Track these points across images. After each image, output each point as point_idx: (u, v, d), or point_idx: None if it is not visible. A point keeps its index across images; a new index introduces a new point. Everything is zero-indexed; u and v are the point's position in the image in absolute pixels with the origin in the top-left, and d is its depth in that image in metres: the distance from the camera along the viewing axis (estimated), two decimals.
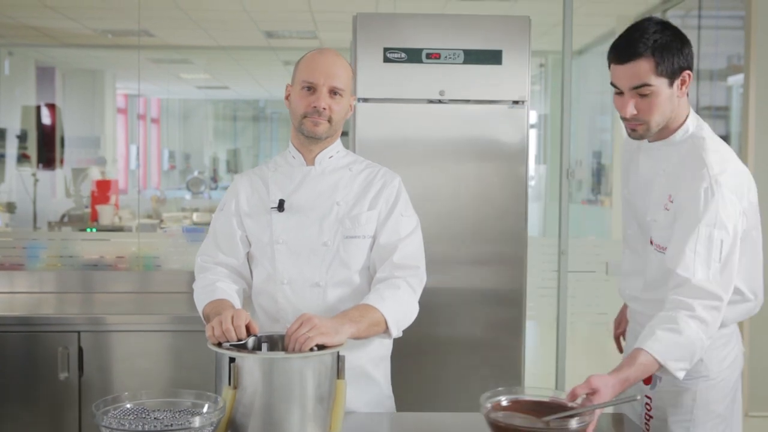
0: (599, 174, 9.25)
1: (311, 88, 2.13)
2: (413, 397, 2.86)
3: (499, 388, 1.83)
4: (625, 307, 2.50)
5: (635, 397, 1.76)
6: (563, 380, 3.93)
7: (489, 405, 1.72)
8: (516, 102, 3.19)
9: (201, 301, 2.19)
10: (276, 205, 2.19)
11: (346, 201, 2.18)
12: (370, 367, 2.21)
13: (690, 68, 2.08)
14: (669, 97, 2.06)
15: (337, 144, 2.25)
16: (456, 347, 3.27)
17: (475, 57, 3.15)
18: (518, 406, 1.76)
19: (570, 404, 1.76)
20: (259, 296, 2.25)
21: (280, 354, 1.86)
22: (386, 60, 3.15)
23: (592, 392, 1.76)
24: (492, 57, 3.15)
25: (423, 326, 3.15)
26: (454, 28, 3.16)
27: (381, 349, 2.24)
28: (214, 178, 11.43)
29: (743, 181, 2.07)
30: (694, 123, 2.14)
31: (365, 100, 3.17)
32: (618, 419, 2.13)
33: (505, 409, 1.73)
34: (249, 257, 2.26)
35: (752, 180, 2.11)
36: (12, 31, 7.47)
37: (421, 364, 3.22)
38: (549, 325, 4.23)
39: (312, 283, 2.16)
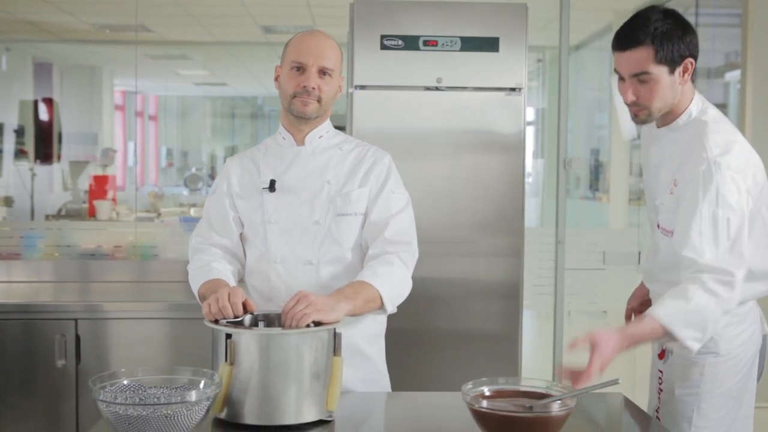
0: (597, 171, 9.26)
1: (300, 68, 2.15)
2: (410, 387, 2.86)
3: (483, 378, 1.83)
4: (641, 285, 2.51)
5: (616, 380, 1.75)
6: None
7: (471, 394, 1.72)
8: (513, 89, 3.19)
9: (196, 282, 2.20)
10: (267, 185, 2.20)
11: (337, 179, 2.20)
12: (365, 345, 2.22)
13: (693, 56, 2.10)
14: (670, 84, 2.08)
15: (327, 124, 2.27)
16: (453, 339, 3.27)
17: (472, 44, 3.16)
18: (501, 395, 1.76)
19: (551, 392, 1.76)
20: (251, 276, 2.27)
21: (277, 330, 1.87)
22: (383, 47, 3.15)
23: (592, 346, 1.76)
24: (489, 44, 3.16)
25: (420, 318, 3.17)
26: (451, 16, 3.17)
27: (375, 327, 2.26)
28: (212, 176, 11.41)
29: (749, 161, 2.08)
30: (698, 107, 2.16)
31: (362, 87, 3.18)
32: (618, 400, 2.13)
33: (487, 398, 1.74)
34: (242, 238, 2.27)
35: (760, 161, 2.12)
36: (9, 27, 7.46)
37: (419, 355, 3.23)
38: (546, 315, 4.23)
39: (304, 261, 2.17)
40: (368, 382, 2.21)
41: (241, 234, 2.27)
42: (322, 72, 2.15)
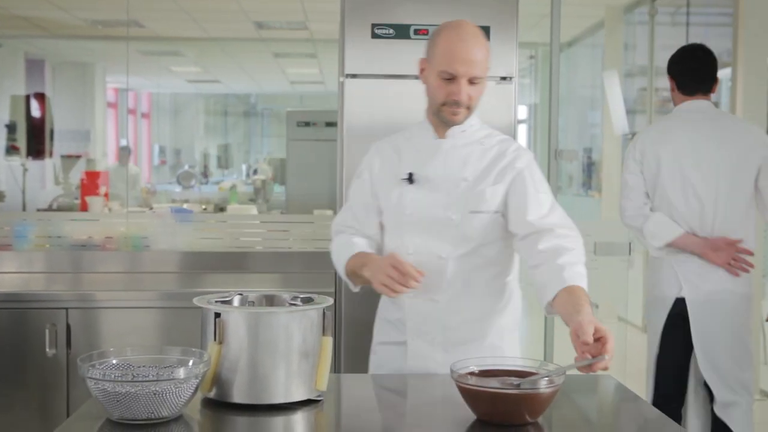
0: (590, 170, 9.28)
1: (451, 79, 2.09)
2: None
3: (471, 358, 1.84)
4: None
5: (603, 356, 1.75)
6: (551, 359, 3.94)
7: (460, 372, 1.73)
8: (504, 78, 3.20)
9: (342, 256, 2.21)
10: (406, 176, 2.18)
11: (474, 176, 2.16)
12: (496, 339, 2.19)
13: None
14: None
15: (472, 117, 2.21)
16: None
17: None
18: (489, 374, 1.77)
19: (539, 371, 1.78)
20: None
21: (265, 308, 1.87)
22: (374, 36, 3.16)
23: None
24: None
25: None
26: (442, 4, 3.17)
27: (506, 319, 2.21)
28: (205, 173, 11.41)
29: None
30: None
31: (353, 76, 3.18)
32: (610, 384, 2.14)
33: (476, 376, 1.74)
34: (380, 226, 2.26)
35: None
36: (1, 22, 7.45)
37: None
38: (538, 308, 4.23)
39: (436, 255, 2.15)
40: None
41: (380, 222, 2.26)
42: (473, 81, 2.10)
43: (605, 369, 1.76)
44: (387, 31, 3.15)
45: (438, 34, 2.15)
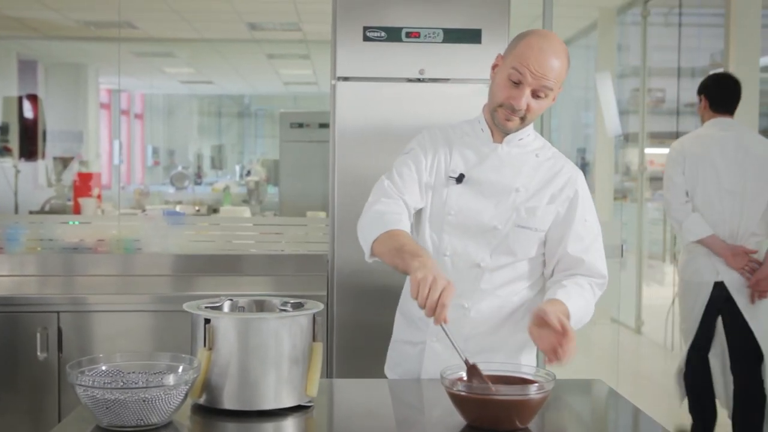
0: (583, 170, 9.28)
1: (518, 83, 2.01)
2: None
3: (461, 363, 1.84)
4: None
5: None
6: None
7: (450, 378, 1.73)
8: None
9: (384, 223, 2.03)
10: (456, 176, 2.12)
11: (526, 188, 2.10)
12: (514, 354, 2.15)
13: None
14: None
15: (529, 127, 2.15)
16: None
17: (454, 36, 3.17)
18: (480, 379, 1.77)
19: (529, 377, 1.79)
20: None
21: (255, 314, 1.87)
22: (366, 39, 3.15)
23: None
24: (471, 36, 3.17)
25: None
26: (433, 7, 3.17)
27: (521, 337, 2.12)
28: (198, 174, 11.39)
29: None
30: None
31: (345, 78, 3.18)
32: (602, 389, 2.14)
33: (466, 382, 1.74)
34: (416, 220, 2.18)
35: None
36: None
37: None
38: None
39: (473, 263, 2.10)
40: None
41: (417, 214, 2.17)
42: (537, 93, 2.03)
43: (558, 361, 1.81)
44: (378, 34, 3.15)
45: (524, 35, 2.06)
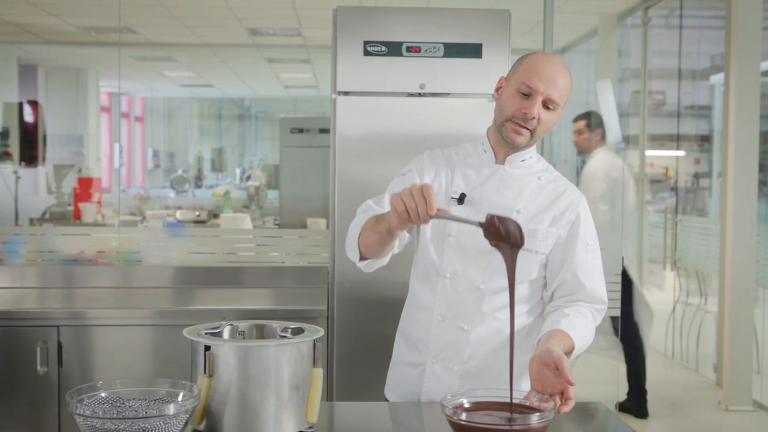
0: None
1: (528, 94, 2.02)
2: None
3: (461, 390, 1.84)
4: None
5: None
6: None
7: (451, 406, 1.72)
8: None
9: (359, 224, 2.08)
10: (457, 196, 2.11)
11: (527, 210, 2.09)
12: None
13: None
14: None
15: (532, 149, 2.16)
16: None
17: (455, 50, 3.16)
18: (480, 407, 1.76)
19: (531, 404, 1.78)
20: (418, 283, 2.19)
21: (255, 342, 1.86)
22: (366, 53, 3.15)
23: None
24: (472, 50, 3.16)
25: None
26: (434, 22, 3.17)
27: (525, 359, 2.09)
28: (199, 177, 11.39)
29: None
30: None
31: (345, 93, 3.17)
32: (601, 411, 2.14)
33: (467, 410, 1.73)
34: (417, 243, 2.19)
35: None
36: None
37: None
38: None
39: (473, 285, 2.10)
40: None
41: (415, 236, 2.18)
42: (547, 105, 2.03)
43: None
44: (379, 49, 3.15)
45: (527, 55, 2.08)
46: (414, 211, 1.78)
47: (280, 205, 5.85)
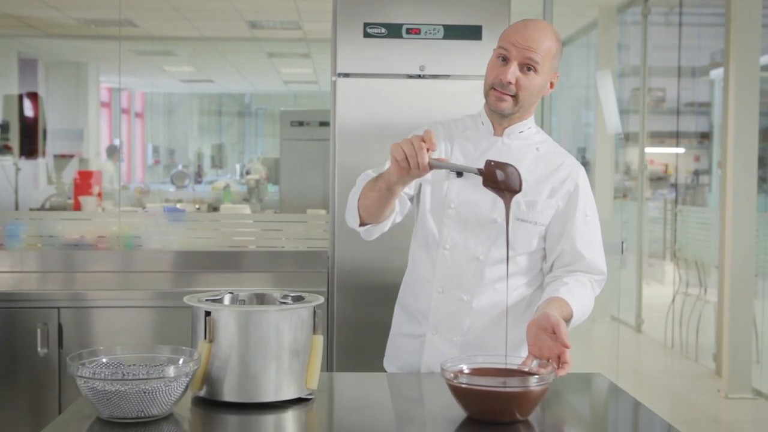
0: (585, 170, 9.29)
1: (505, 59, 2.03)
2: None
3: (462, 356, 1.86)
4: None
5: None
6: None
7: (451, 370, 1.73)
8: None
9: (358, 189, 2.09)
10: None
11: (526, 181, 2.05)
12: (513, 348, 2.08)
13: None
14: None
15: (530, 120, 2.15)
16: None
17: (455, 32, 3.17)
18: (480, 372, 1.77)
19: (530, 369, 1.79)
20: (417, 255, 2.20)
21: (255, 307, 1.87)
22: (366, 35, 3.15)
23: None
24: (472, 32, 3.17)
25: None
26: (434, 4, 3.17)
27: (520, 332, 2.06)
28: (199, 173, 11.39)
29: None
30: None
31: (345, 75, 3.18)
32: (603, 383, 2.14)
33: (466, 375, 1.74)
34: (417, 215, 2.20)
35: None
36: None
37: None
38: None
39: (472, 256, 2.10)
40: None
41: (415, 206, 2.19)
42: (527, 66, 2.02)
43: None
44: (379, 30, 3.15)
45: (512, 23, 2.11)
46: (414, 159, 1.82)
47: (280, 198, 5.86)
